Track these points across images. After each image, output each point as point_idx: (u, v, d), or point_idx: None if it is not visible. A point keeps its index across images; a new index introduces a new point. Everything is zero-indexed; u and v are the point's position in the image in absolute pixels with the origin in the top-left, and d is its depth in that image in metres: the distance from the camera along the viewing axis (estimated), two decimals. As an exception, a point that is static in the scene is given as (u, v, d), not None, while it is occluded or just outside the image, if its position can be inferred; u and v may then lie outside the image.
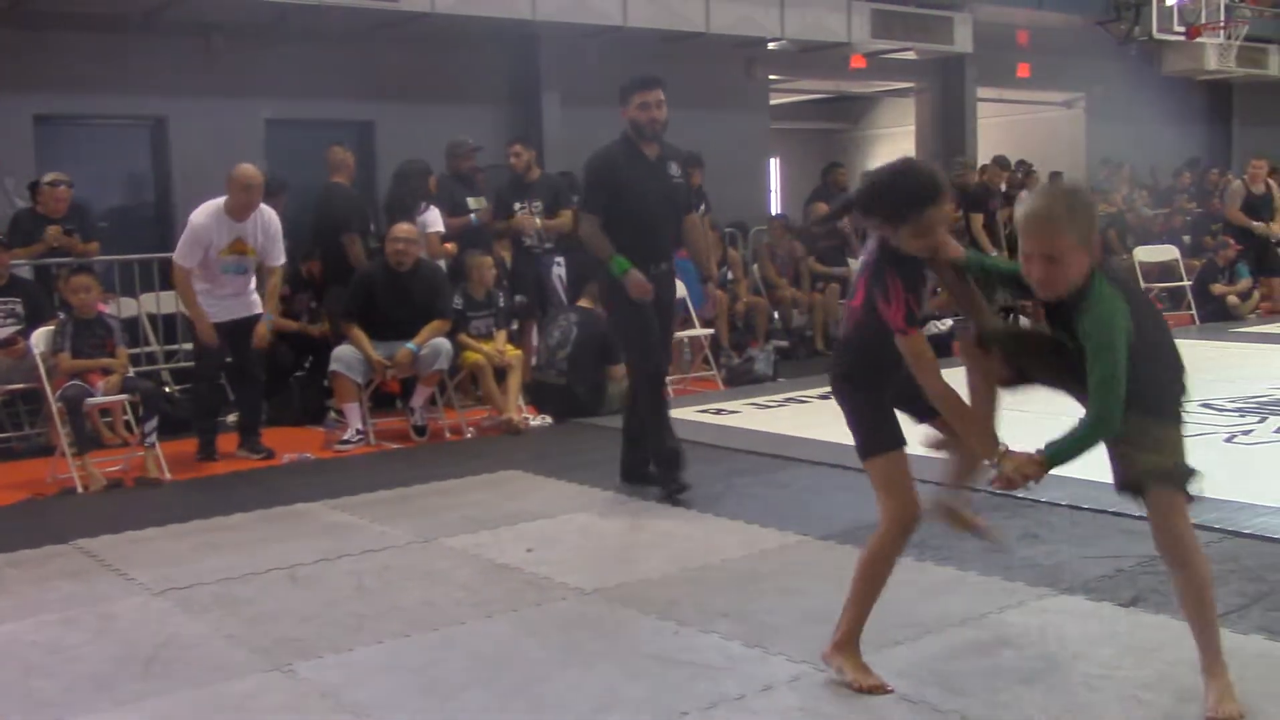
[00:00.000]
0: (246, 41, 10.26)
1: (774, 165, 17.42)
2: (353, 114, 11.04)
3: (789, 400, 8.52)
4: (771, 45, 13.01)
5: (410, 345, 7.46)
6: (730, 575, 4.53)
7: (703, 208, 9.82)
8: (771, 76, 14.21)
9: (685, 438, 7.05)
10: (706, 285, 6.91)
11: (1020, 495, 5.41)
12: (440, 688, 3.56)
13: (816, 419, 7.73)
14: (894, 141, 17.98)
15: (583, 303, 8.29)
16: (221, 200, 7.11)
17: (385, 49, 10.99)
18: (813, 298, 11.42)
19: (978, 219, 10.70)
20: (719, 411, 8.08)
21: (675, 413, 7.74)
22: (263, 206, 7.21)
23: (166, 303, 8.75)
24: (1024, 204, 3.10)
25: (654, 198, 5.70)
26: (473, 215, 8.94)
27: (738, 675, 3.54)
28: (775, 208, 16.51)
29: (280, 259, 7.32)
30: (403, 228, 7.79)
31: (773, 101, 14.76)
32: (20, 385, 7.37)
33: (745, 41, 12.71)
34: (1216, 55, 15.35)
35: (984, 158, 13.95)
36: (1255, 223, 12.76)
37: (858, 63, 14.07)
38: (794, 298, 11.40)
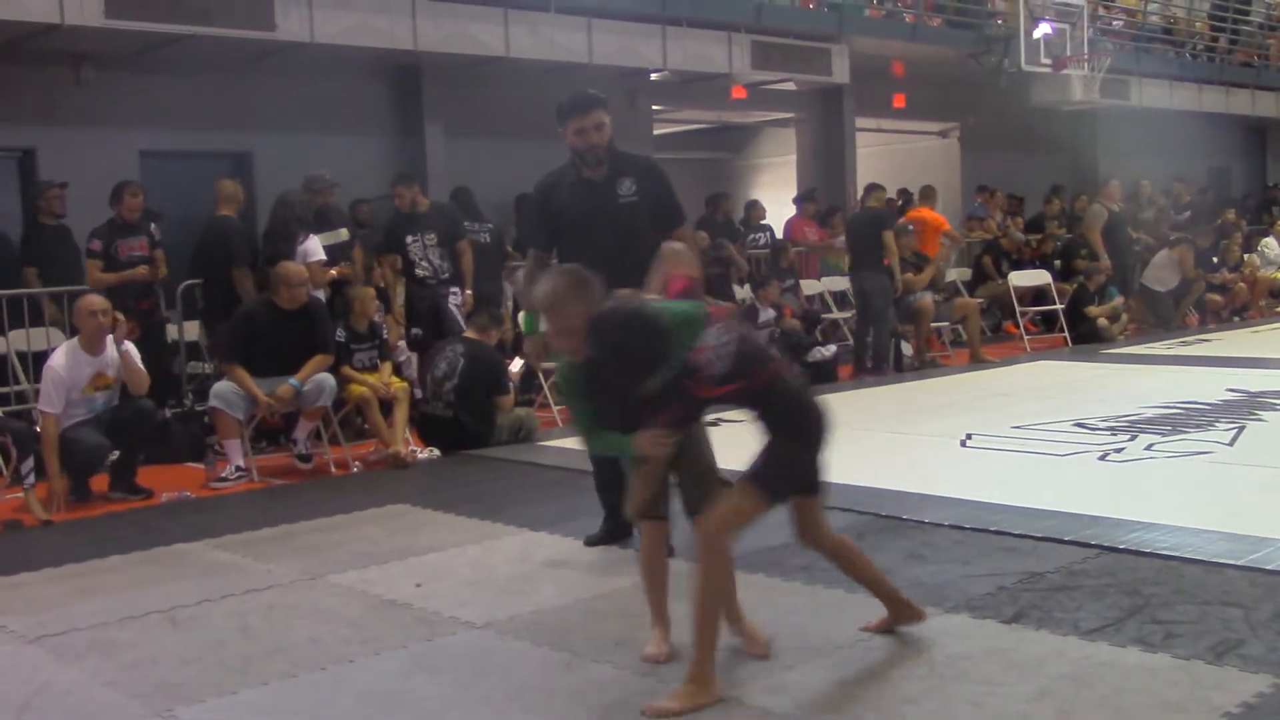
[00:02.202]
0: (119, 71, 10.04)
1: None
2: (231, 145, 10.85)
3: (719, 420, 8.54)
4: (654, 76, 13.14)
5: (293, 381, 7.34)
6: (623, 604, 4.52)
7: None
8: (655, 106, 14.35)
9: (558, 465, 7.07)
10: None
11: (905, 517, 5.54)
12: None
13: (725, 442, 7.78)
14: (776, 170, 18.26)
15: (469, 333, 8.24)
16: (75, 339, 6.92)
17: (264, 79, 10.84)
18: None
19: (890, 235, 11.02)
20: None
21: (561, 442, 7.77)
22: (115, 341, 6.95)
23: (37, 339, 8.47)
24: (539, 288, 3.55)
25: (599, 223, 5.16)
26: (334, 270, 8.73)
27: (632, 707, 3.53)
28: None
29: (145, 387, 7.07)
30: (296, 269, 7.66)
31: (656, 131, 14.89)
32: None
33: (628, 72, 12.82)
34: (1082, 86, 15.92)
35: (863, 185, 14.25)
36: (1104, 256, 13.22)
37: (739, 93, 14.28)
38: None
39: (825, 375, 10.61)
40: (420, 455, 7.81)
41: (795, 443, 3.57)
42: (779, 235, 13.51)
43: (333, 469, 7.57)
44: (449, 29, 10.98)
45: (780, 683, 3.63)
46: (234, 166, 10.60)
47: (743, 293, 11.72)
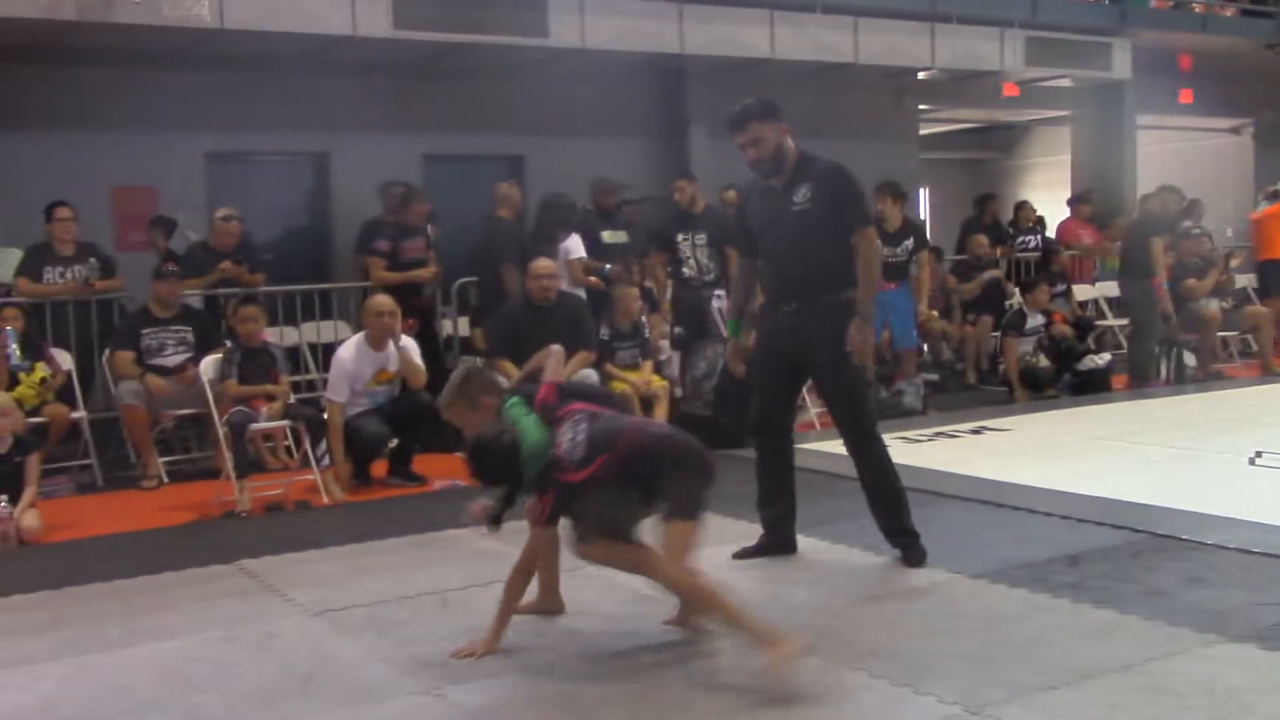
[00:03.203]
0: (405, 79, 10.58)
1: (924, 196, 17.19)
2: (505, 148, 11.29)
3: (938, 435, 8.35)
4: (921, 75, 12.86)
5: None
6: (878, 612, 4.46)
7: (908, 242, 9.72)
8: (921, 106, 14.05)
9: (829, 471, 7.00)
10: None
11: (1184, 537, 5.22)
12: (582, 715, 3.58)
13: (967, 454, 7.58)
14: (1048, 170, 17.57)
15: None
16: (361, 334, 7.34)
17: (537, 84, 11.20)
18: (964, 330, 11.21)
19: (1157, 243, 10.37)
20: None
21: (822, 445, 7.71)
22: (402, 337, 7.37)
23: (326, 332, 9.04)
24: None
25: (776, 230, 5.15)
26: (606, 266, 8.96)
27: (885, 715, 3.48)
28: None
29: (422, 382, 7.42)
30: (544, 263, 7.90)
31: (922, 131, 14.58)
32: (189, 410, 7.69)
33: (895, 71, 12.59)
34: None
35: (1145, 186, 13.52)
36: None
37: (1010, 91, 13.80)
38: (944, 330, 11.20)
39: (1095, 385, 10.13)
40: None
41: (688, 471, 4.01)
42: (1050, 237, 12.98)
43: (593, 464, 7.74)
44: (715, 32, 11.07)
45: (1044, 702, 3.49)
46: (507, 169, 11.02)
47: (1013, 296, 11.33)
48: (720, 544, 5.44)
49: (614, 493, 4.05)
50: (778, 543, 5.30)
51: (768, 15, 11.26)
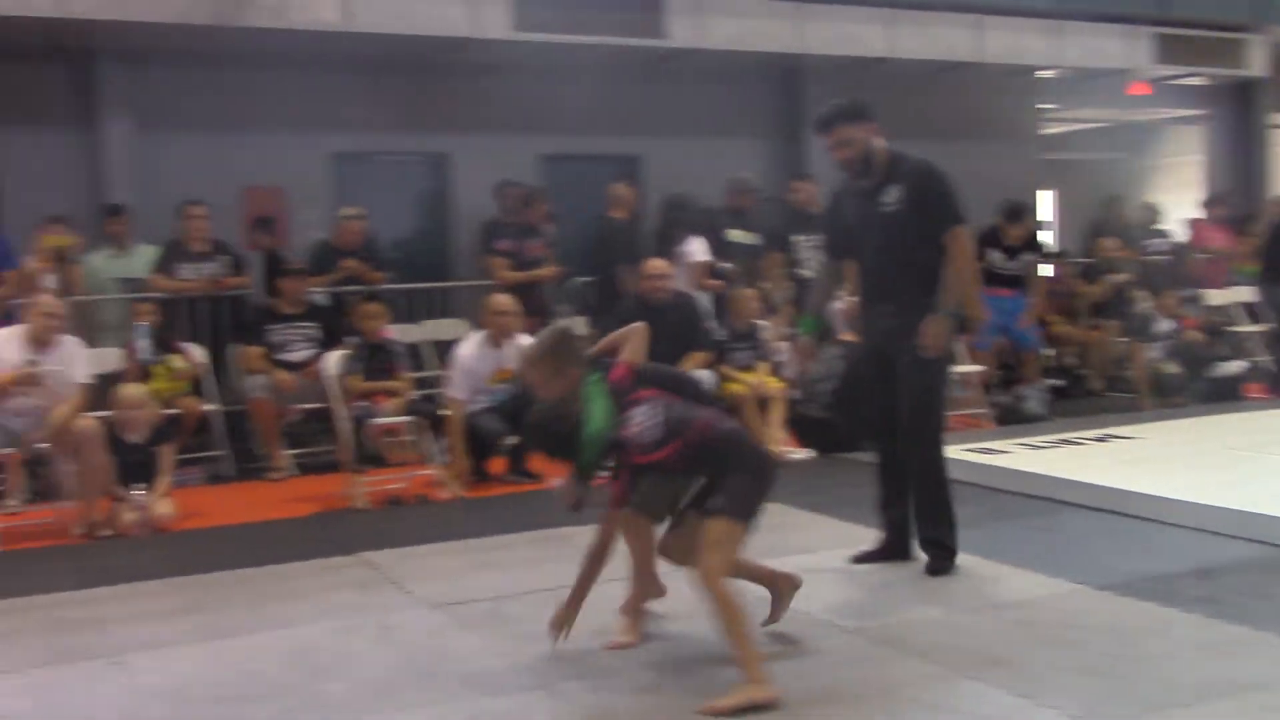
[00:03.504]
0: (523, 81, 10.69)
1: (1048, 198, 16.82)
2: (622, 149, 11.34)
3: (1063, 441, 8.17)
4: (1046, 73, 12.59)
5: (674, 375, 7.56)
6: (999, 621, 4.37)
7: (1027, 255, 9.56)
8: (1045, 105, 13.75)
9: (953, 477, 6.90)
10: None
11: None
12: (695, 716, 3.58)
13: (1092, 462, 7.40)
14: (1179, 171, 17.03)
15: (846, 337, 8.20)
16: (482, 333, 7.44)
17: (654, 84, 11.24)
18: (1089, 335, 10.94)
19: None
20: (988, 450, 7.83)
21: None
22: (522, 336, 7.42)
23: (446, 329, 9.19)
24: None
25: (867, 232, 5.09)
26: (726, 265, 8.94)
27: (1009, 726, 3.41)
28: (1053, 241, 15.92)
29: None
30: (656, 264, 7.92)
31: (1046, 131, 14.26)
32: (314, 405, 7.88)
33: (1018, 70, 12.35)
34: None
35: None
36: None
37: (1139, 90, 13.44)
38: (1069, 335, 10.94)
39: (1228, 393, 9.81)
40: (794, 455, 7.87)
41: (747, 475, 3.91)
42: (1180, 240, 12.59)
43: (708, 464, 7.73)
44: (834, 31, 10.99)
45: (1174, 720, 3.39)
46: (624, 169, 11.06)
47: (1143, 302, 11.01)
48: (836, 547, 5.41)
49: (671, 478, 4.06)
50: (896, 546, 5.22)
51: (888, 14, 11.14)
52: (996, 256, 9.53)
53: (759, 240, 9.21)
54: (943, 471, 5.12)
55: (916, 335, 4.95)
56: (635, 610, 4.38)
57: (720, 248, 8.92)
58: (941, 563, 5.03)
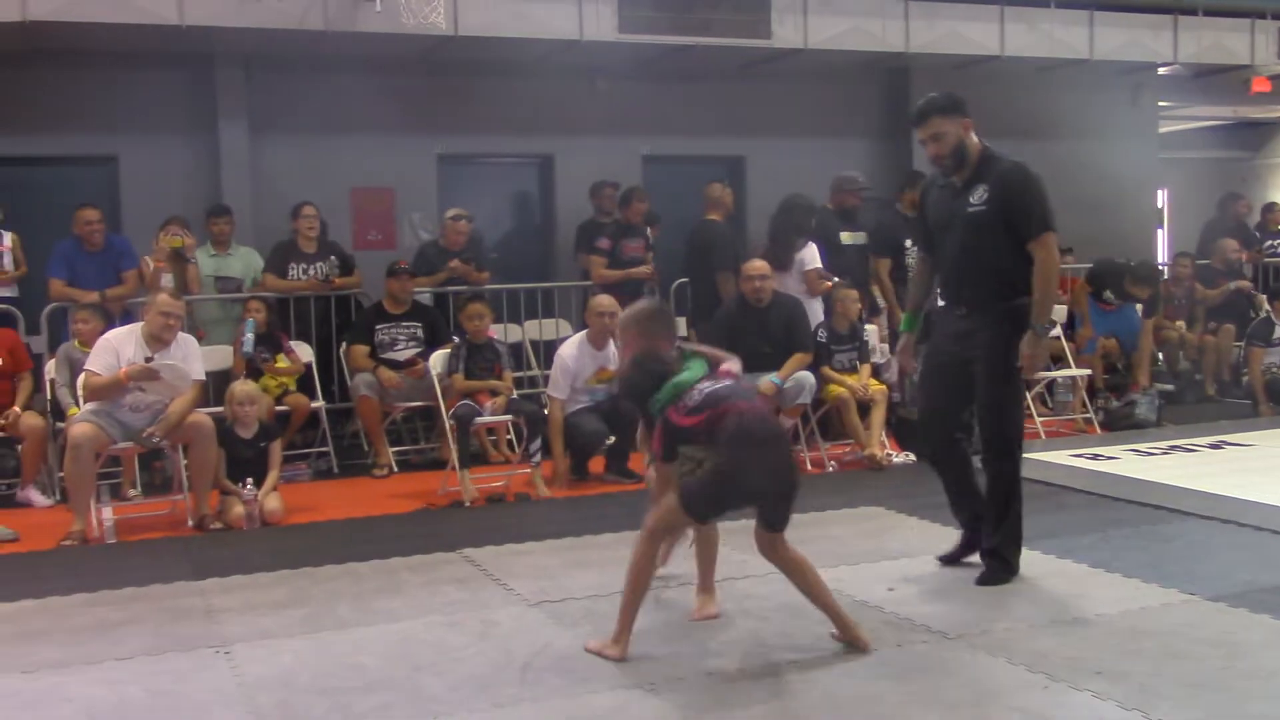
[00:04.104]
0: (627, 82, 10.74)
1: (1164, 197, 16.38)
2: (725, 150, 11.33)
3: (1174, 448, 7.95)
4: (1162, 70, 12.25)
5: (773, 378, 7.53)
6: (1106, 631, 4.27)
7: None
8: (1162, 103, 13.38)
9: (1058, 483, 6.77)
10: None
11: None
12: (794, 714, 3.55)
13: (1205, 469, 7.19)
14: (1302, 171, 16.48)
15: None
16: (583, 333, 7.50)
17: (757, 85, 11.20)
18: (1204, 339, 10.63)
19: None
20: (1095, 456, 7.66)
21: (1048, 455, 7.46)
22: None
23: (549, 329, 9.27)
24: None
25: (951, 230, 4.99)
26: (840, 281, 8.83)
27: (1114, 739, 3.33)
28: (1165, 241, 15.52)
29: None
30: (757, 264, 7.87)
31: (1163, 129, 13.89)
32: (418, 403, 8.01)
33: (1133, 67, 12.04)
34: None
35: None
36: None
37: (1261, 86, 13.00)
38: (1182, 338, 10.65)
39: None
40: (895, 459, 7.78)
41: (728, 470, 4.02)
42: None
43: (809, 467, 7.69)
44: (941, 30, 10.83)
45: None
46: (726, 170, 11.04)
47: (1262, 306, 10.67)
48: (936, 551, 5.34)
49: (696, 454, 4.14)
50: (977, 542, 5.12)
51: (997, 11, 10.94)
52: (1109, 295, 9.44)
53: (865, 240, 9.09)
54: (1016, 485, 5.00)
55: (991, 342, 4.87)
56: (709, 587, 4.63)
57: (834, 251, 8.79)
58: (996, 575, 4.93)
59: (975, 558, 5.12)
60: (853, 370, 8.07)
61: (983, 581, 4.91)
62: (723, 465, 4.03)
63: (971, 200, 4.91)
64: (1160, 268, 10.39)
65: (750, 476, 4.05)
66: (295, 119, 9.95)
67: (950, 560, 5.18)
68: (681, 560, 4.82)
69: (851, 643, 4.18)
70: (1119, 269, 9.51)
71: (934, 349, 5.23)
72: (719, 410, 4.04)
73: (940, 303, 5.31)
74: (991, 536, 5.00)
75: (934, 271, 5.29)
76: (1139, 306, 9.55)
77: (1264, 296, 10.60)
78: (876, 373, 8.47)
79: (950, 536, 5.51)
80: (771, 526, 4.16)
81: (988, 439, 4.99)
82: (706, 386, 4.13)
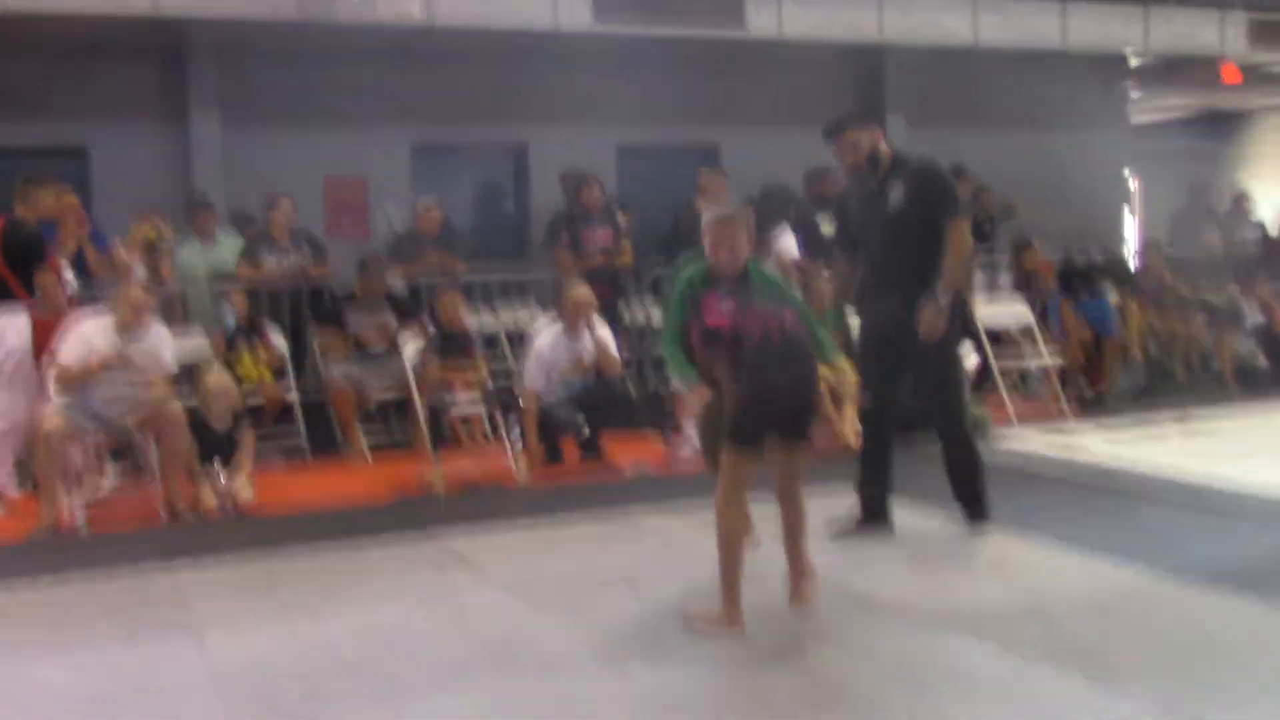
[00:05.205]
0: (602, 71, 10.73)
1: (1135, 186, 16.48)
2: (699, 138, 11.33)
3: (1144, 433, 8.01)
4: (1134, 60, 12.32)
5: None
6: (1076, 611, 4.31)
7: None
8: (1133, 94, 13.46)
9: (1031, 467, 6.83)
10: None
11: None
12: (771, 702, 3.58)
13: (1175, 454, 7.24)
14: (1273, 160, 16.61)
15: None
16: (559, 323, 7.52)
17: (732, 74, 11.21)
18: (1174, 326, 10.70)
19: None
20: (1068, 440, 7.71)
21: (1020, 440, 7.51)
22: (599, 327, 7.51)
23: (522, 318, 9.24)
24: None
25: (874, 229, 5.47)
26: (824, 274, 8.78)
27: (1080, 715, 3.36)
28: (1136, 230, 15.61)
29: (618, 369, 7.61)
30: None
31: (1135, 120, 13.97)
32: (392, 392, 7.99)
33: (1105, 57, 12.11)
34: None
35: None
36: None
37: (1231, 76, 13.10)
38: (1153, 326, 10.71)
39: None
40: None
41: (751, 391, 4.11)
42: (1272, 232, 12.26)
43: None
44: (916, 19, 10.86)
45: (1251, 716, 3.32)
46: (701, 159, 11.04)
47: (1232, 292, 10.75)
48: (902, 532, 5.37)
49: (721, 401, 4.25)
50: (873, 521, 5.49)
51: (970, 1, 10.98)
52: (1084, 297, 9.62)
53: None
54: (973, 440, 5.61)
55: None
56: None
57: (815, 242, 8.80)
58: (978, 514, 5.44)
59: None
60: (826, 358, 8.08)
61: (971, 520, 5.44)
62: (749, 383, 4.12)
63: (890, 200, 5.40)
64: (1132, 264, 10.46)
65: (777, 391, 4.15)
66: (268, 109, 9.91)
67: (842, 535, 5.41)
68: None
69: (798, 595, 4.36)
70: (1090, 270, 9.65)
71: (867, 338, 5.65)
72: (748, 319, 4.14)
73: (867, 295, 5.66)
74: (964, 487, 5.49)
75: (854, 269, 5.72)
76: (1112, 299, 9.66)
77: (1235, 283, 10.68)
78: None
79: (923, 515, 5.58)
80: (791, 440, 4.26)
81: (940, 410, 5.53)
82: (738, 297, 4.25)
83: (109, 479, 7.16)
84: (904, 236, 5.35)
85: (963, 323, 5.80)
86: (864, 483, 5.55)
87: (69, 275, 7.26)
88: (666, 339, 4.60)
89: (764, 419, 4.19)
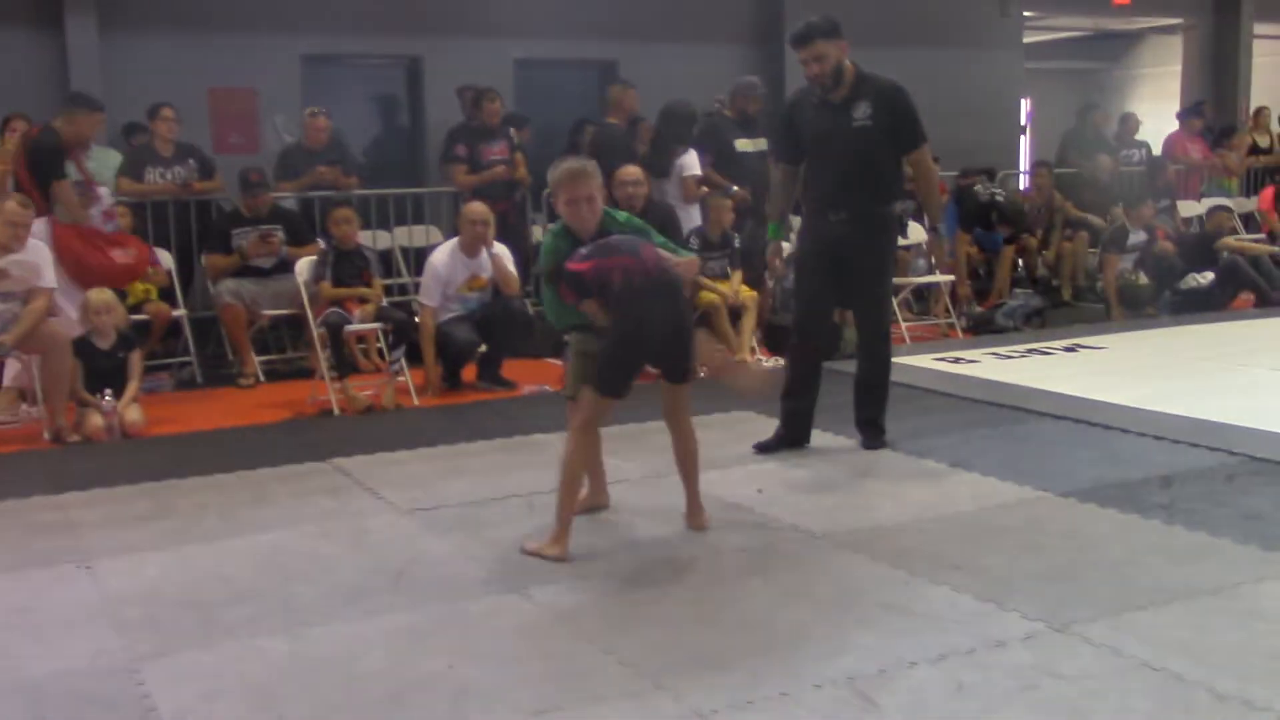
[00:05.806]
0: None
1: (1026, 106, 16.73)
2: (597, 53, 11.18)
3: (1031, 351, 8.22)
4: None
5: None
6: (964, 528, 4.44)
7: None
8: (1027, 13, 13.60)
9: (920, 385, 6.96)
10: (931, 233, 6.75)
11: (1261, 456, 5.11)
12: (666, 619, 3.63)
13: (1060, 372, 7.46)
14: (1158, 82, 16.96)
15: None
16: (455, 240, 7.41)
17: (630, -11, 11.06)
18: (1061, 246, 10.95)
19: None
20: (957, 360, 7.88)
21: (912, 359, 7.65)
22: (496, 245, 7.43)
23: (419, 236, 9.12)
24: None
25: (834, 145, 5.44)
26: (733, 188, 8.73)
27: (968, 629, 3.47)
28: (1027, 150, 15.88)
29: (516, 288, 7.52)
30: (630, 170, 7.80)
31: (1027, 40, 14.13)
32: (285, 311, 7.84)
33: (1000, -24, 12.20)
34: None
35: (1259, 100, 13.02)
36: None
37: (1121, -2, 13.32)
38: (1039, 246, 10.95)
39: (1201, 304, 9.84)
40: (765, 364, 7.90)
41: (623, 330, 4.12)
42: (1156, 152, 12.56)
43: (680, 373, 7.74)
44: (814, -66, 10.78)
45: (1130, 623, 3.46)
46: (599, 75, 10.92)
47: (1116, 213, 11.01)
48: (799, 454, 5.46)
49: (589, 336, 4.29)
50: (795, 436, 5.62)
51: (867, -85, 10.93)
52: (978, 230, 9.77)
53: (766, 147, 9.04)
54: (889, 365, 5.72)
55: (870, 243, 5.46)
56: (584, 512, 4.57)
57: (728, 158, 8.72)
58: (878, 440, 5.60)
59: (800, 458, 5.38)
60: (724, 277, 8.14)
61: (870, 446, 5.57)
62: (617, 327, 4.12)
63: (855, 116, 5.38)
64: (1023, 205, 10.63)
65: (645, 331, 4.14)
66: (149, 14, 9.51)
67: (766, 449, 5.58)
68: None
69: (694, 524, 4.44)
70: (986, 206, 9.82)
71: (808, 252, 5.64)
72: (608, 262, 4.12)
73: (813, 209, 5.63)
74: (870, 409, 5.63)
75: (796, 181, 5.70)
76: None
77: (1120, 204, 10.94)
78: (748, 279, 8.55)
79: (818, 438, 5.67)
80: (674, 379, 4.32)
81: (871, 327, 5.63)
82: (599, 244, 4.22)
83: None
84: (864, 155, 5.39)
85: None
86: (787, 395, 5.62)
87: None
88: (546, 295, 4.50)
89: (633, 364, 4.24)
